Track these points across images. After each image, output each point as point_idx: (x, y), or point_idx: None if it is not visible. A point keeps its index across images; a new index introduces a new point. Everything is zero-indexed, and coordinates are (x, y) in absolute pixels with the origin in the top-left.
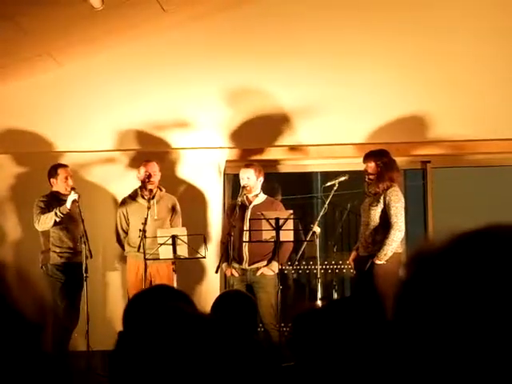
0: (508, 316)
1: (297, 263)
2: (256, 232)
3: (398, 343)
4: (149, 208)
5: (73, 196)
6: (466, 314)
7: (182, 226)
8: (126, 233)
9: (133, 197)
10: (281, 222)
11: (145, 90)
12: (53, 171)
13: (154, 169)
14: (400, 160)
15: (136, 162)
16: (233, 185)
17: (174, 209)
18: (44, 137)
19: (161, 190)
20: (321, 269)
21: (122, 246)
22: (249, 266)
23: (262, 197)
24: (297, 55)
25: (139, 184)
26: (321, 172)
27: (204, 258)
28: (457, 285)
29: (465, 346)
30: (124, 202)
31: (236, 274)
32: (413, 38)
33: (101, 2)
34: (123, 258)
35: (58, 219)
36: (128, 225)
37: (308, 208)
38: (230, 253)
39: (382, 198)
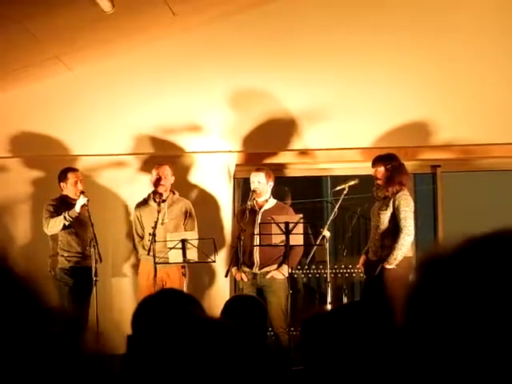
0: None
1: (307, 267)
2: (266, 236)
3: (408, 348)
4: (159, 212)
5: (82, 200)
6: (476, 319)
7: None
8: (141, 236)
9: (146, 200)
10: (291, 226)
11: (155, 94)
12: (62, 175)
13: (166, 172)
14: (410, 164)
15: (148, 166)
16: (242, 189)
17: (187, 213)
18: (56, 141)
19: (174, 193)
20: (331, 273)
21: (136, 250)
22: (259, 270)
23: (272, 201)
24: (306, 59)
25: (152, 188)
26: (330, 176)
27: (214, 262)
28: (467, 290)
29: (476, 351)
30: (138, 206)
31: (245, 279)
32: (422, 41)
33: (111, 6)
34: (133, 262)
35: (67, 223)
36: (143, 228)
37: (318, 212)
38: (239, 257)
39: (391, 202)
